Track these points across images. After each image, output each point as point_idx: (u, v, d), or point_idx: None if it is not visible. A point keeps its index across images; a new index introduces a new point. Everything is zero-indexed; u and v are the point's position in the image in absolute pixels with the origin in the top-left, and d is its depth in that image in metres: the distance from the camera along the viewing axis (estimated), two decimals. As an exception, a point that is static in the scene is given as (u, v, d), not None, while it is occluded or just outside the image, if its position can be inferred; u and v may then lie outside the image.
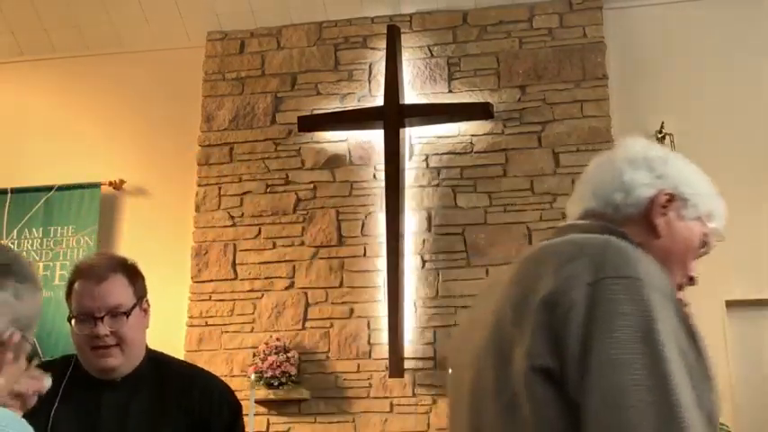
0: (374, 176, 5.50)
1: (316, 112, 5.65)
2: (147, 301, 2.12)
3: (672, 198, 1.48)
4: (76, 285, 2.04)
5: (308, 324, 5.31)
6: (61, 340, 5.57)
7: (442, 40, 5.67)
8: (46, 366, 2.00)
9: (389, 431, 5.04)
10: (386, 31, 5.61)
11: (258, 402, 5.02)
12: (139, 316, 2.07)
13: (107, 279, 2.03)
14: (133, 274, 2.11)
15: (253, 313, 5.39)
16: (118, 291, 2.02)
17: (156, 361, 2.13)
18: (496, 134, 5.41)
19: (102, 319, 1.98)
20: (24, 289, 1.29)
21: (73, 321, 2.02)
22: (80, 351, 2.04)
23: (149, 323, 2.14)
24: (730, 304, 5.01)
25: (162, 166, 5.87)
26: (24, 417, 1.95)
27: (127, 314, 2.01)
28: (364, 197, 5.48)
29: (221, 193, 5.65)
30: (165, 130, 5.95)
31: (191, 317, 5.44)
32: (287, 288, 5.40)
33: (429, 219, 5.36)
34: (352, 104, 5.65)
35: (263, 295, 5.41)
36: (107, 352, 1.99)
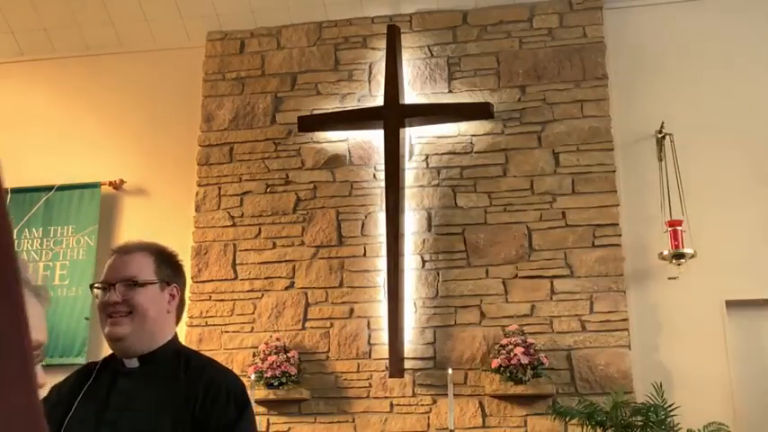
0: (374, 176, 5.50)
1: (316, 112, 5.65)
2: (176, 287, 2.15)
3: None
4: (108, 260, 2.15)
5: (308, 324, 5.31)
6: (61, 338, 5.57)
7: (442, 40, 5.67)
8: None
9: (389, 431, 5.04)
10: (386, 31, 5.61)
11: (258, 402, 5.02)
12: (158, 294, 2.10)
13: (130, 254, 2.11)
14: (164, 258, 2.16)
15: (253, 313, 5.39)
16: (136, 264, 2.09)
17: (177, 353, 2.16)
18: (496, 134, 5.41)
19: (114, 286, 2.06)
20: None
21: (94, 290, 2.13)
22: (100, 320, 2.13)
23: (174, 310, 2.16)
24: (730, 304, 5.01)
25: (162, 166, 5.87)
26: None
27: (138, 284, 2.06)
28: (364, 197, 5.48)
29: (221, 193, 5.65)
30: (164, 130, 5.95)
31: (191, 317, 5.43)
32: (287, 288, 5.40)
33: (429, 219, 5.36)
34: (352, 104, 5.65)
35: (263, 295, 5.41)
36: (116, 320, 2.06)
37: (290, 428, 5.14)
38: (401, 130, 5.41)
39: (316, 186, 5.55)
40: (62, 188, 5.86)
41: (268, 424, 5.14)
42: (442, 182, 5.41)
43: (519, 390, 4.82)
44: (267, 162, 5.65)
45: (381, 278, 5.26)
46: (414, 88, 5.61)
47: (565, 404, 4.70)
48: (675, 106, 5.33)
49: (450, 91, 5.57)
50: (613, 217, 5.15)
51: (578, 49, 5.46)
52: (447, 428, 4.73)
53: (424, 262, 5.29)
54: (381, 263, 5.27)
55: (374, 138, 5.52)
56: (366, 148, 5.57)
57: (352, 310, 5.29)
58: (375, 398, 5.11)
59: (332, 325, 5.28)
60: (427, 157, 5.48)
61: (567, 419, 4.63)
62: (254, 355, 5.19)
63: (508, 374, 4.80)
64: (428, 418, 5.01)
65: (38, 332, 1.28)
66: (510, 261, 5.17)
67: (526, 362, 4.75)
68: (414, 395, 5.07)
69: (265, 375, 5.03)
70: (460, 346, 5.09)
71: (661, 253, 4.97)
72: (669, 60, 5.46)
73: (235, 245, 5.53)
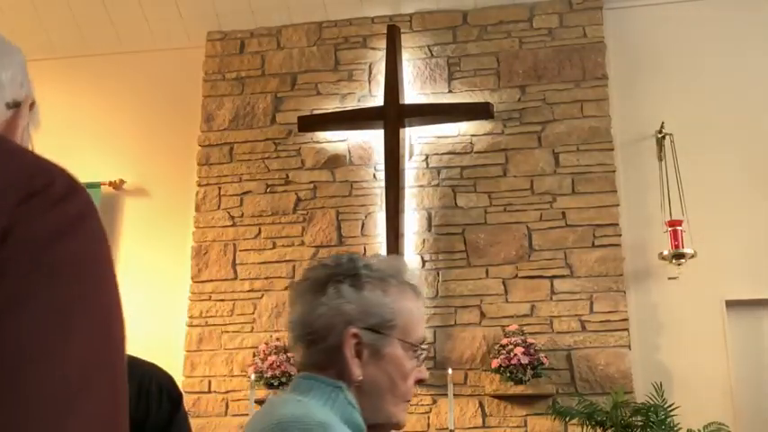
0: (374, 176, 5.50)
1: (316, 112, 5.65)
2: None
3: None
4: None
5: (308, 324, 5.30)
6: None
7: (442, 40, 5.67)
8: None
9: (389, 431, 5.03)
10: (386, 31, 5.61)
11: (258, 402, 5.02)
12: None
13: None
14: None
15: (253, 313, 5.39)
16: None
17: None
18: (496, 134, 5.41)
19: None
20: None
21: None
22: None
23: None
24: (730, 304, 5.01)
25: (162, 166, 5.87)
26: None
27: None
28: (364, 197, 5.48)
29: (221, 193, 5.65)
30: (165, 129, 5.95)
31: (191, 317, 5.44)
32: (287, 288, 5.40)
33: (429, 219, 5.36)
34: (352, 104, 5.65)
35: (263, 295, 5.41)
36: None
37: (290, 428, 5.14)
38: (401, 130, 5.41)
39: (316, 186, 5.55)
40: (62, 188, 5.85)
41: (268, 424, 5.14)
42: (442, 182, 5.41)
43: (519, 390, 4.82)
44: (267, 162, 5.66)
45: (381, 278, 5.25)
46: (414, 88, 5.61)
47: (565, 404, 4.70)
48: (675, 106, 5.33)
49: (450, 91, 5.57)
50: (613, 217, 5.15)
51: (578, 49, 5.46)
52: (447, 428, 4.73)
53: (424, 262, 5.29)
54: (381, 263, 5.26)
55: (374, 138, 5.52)
56: (366, 148, 5.57)
57: (352, 310, 5.28)
58: (375, 398, 5.10)
59: (332, 325, 5.27)
60: (427, 157, 5.48)
61: (567, 419, 4.63)
62: (254, 355, 5.19)
63: (508, 374, 4.80)
64: (428, 418, 5.01)
65: (421, 328, 1.43)
66: (510, 261, 5.17)
67: (526, 362, 4.75)
68: (414, 395, 5.06)
69: (265, 375, 5.03)
70: (460, 346, 5.09)
71: (661, 253, 4.97)
72: (669, 60, 5.46)
73: (235, 245, 5.54)
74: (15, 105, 1.03)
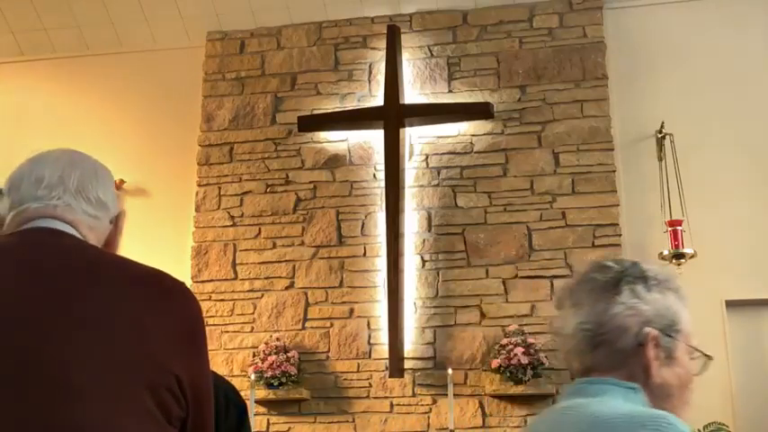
0: (374, 176, 5.50)
1: (316, 112, 5.65)
2: None
3: None
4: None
5: (308, 324, 5.31)
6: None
7: (442, 40, 5.67)
8: None
9: (389, 431, 5.04)
10: (386, 31, 5.61)
11: (258, 402, 5.03)
12: None
13: None
14: None
15: (253, 313, 5.39)
16: None
17: None
18: (496, 134, 5.41)
19: None
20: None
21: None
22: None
23: None
24: (730, 304, 5.01)
25: (162, 166, 5.87)
26: None
27: None
28: (364, 197, 5.48)
29: (221, 193, 5.65)
30: (165, 130, 5.94)
31: (191, 317, 5.43)
32: (287, 288, 5.40)
33: (429, 219, 5.36)
34: (352, 104, 5.65)
35: (263, 295, 5.41)
36: None
37: (289, 428, 5.15)
38: (401, 130, 5.41)
39: (316, 186, 5.55)
40: (62, 188, 5.84)
41: (268, 424, 5.14)
42: (442, 182, 5.41)
43: (519, 390, 4.82)
44: (267, 162, 5.65)
45: (381, 278, 5.26)
46: (414, 88, 5.61)
47: (565, 404, 4.70)
48: (675, 106, 5.33)
49: (450, 91, 5.57)
50: (613, 217, 5.15)
51: (578, 49, 5.46)
52: (447, 428, 4.73)
53: (424, 262, 5.29)
54: (381, 263, 5.27)
55: (374, 138, 5.52)
56: (366, 148, 5.57)
57: (352, 310, 5.29)
58: (375, 398, 5.11)
59: (332, 325, 5.28)
60: (427, 157, 5.48)
61: (567, 419, 4.62)
62: (254, 355, 5.19)
63: (508, 374, 4.80)
64: (428, 418, 5.01)
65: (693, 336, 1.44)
66: (510, 261, 5.17)
67: (526, 362, 4.75)
68: (414, 395, 5.07)
69: (265, 375, 5.03)
70: (460, 346, 5.09)
71: (661, 253, 4.97)
72: (669, 60, 5.46)
73: (235, 245, 5.54)
74: (114, 221, 1.36)
